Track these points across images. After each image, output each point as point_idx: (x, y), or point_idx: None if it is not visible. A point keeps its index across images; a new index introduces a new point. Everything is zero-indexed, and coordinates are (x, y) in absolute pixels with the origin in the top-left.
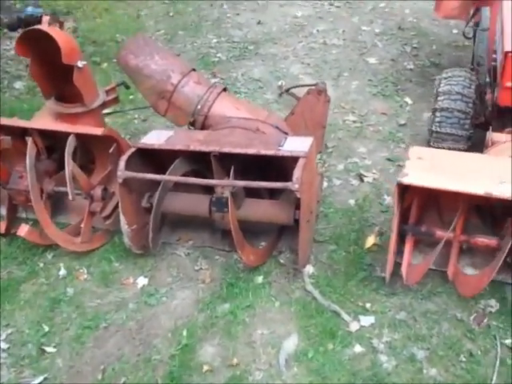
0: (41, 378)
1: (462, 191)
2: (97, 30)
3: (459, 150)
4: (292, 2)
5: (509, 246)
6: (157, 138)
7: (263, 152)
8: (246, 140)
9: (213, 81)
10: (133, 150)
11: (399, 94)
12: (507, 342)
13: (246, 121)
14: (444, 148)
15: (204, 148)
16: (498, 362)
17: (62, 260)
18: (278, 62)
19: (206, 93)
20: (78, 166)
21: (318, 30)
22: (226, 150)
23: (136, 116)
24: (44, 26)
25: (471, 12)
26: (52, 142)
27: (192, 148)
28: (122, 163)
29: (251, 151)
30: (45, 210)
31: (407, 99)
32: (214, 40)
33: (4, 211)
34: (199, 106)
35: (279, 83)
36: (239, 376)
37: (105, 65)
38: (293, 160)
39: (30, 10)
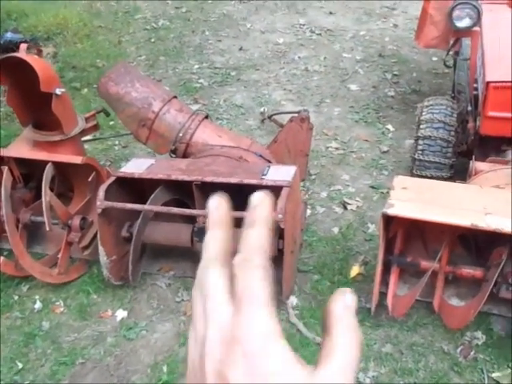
0: None
1: (448, 223)
2: (77, 55)
3: (442, 177)
4: (274, 28)
5: (495, 277)
6: (137, 166)
7: (246, 181)
8: (228, 169)
9: (195, 107)
10: (112, 178)
11: (381, 121)
12: (494, 375)
13: (229, 149)
14: (427, 176)
15: (186, 177)
16: None
17: (38, 292)
18: (260, 88)
19: (188, 120)
20: (56, 195)
21: (299, 57)
22: (209, 179)
23: (116, 142)
24: (21, 54)
25: (451, 42)
26: (29, 170)
27: (174, 177)
28: (101, 193)
29: (234, 180)
30: (20, 241)
31: (389, 126)
32: (196, 66)
33: None
34: (181, 134)
35: (261, 109)
36: None
37: (85, 90)
38: (276, 189)
39: (9, 35)
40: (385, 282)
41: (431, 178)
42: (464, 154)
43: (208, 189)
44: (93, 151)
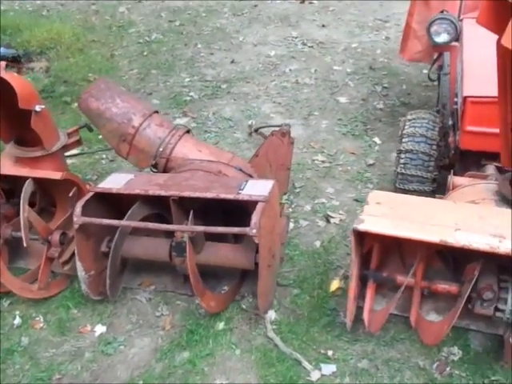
0: None
1: (417, 239)
2: (69, 69)
3: (425, 191)
4: (266, 41)
5: (467, 292)
6: (116, 181)
7: (222, 196)
8: (206, 183)
9: (184, 120)
10: (90, 194)
11: (368, 134)
12: None
13: (209, 163)
14: (409, 189)
15: (163, 192)
16: None
17: (19, 308)
18: (249, 100)
19: (168, 135)
20: (38, 210)
21: (290, 69)
22: (186, 194)
23: (104, 156)
24: (1, 73)
25: (434, 56)
26: (12, 186)
27: (151, 192)
28: (77, 209)
29: (210, 195)
30: (0, 257)
31: (376, 139)
32: (187, 79)
33: None
34: (161, 149)
35: (249, 122)
36: None
37: (75, 104)
38: (253, 204)
39: (2, 50)
40: (362, 296)
41: (414, 191)
42: (446, 167)
43: (187, 203)
44: (80, 165)
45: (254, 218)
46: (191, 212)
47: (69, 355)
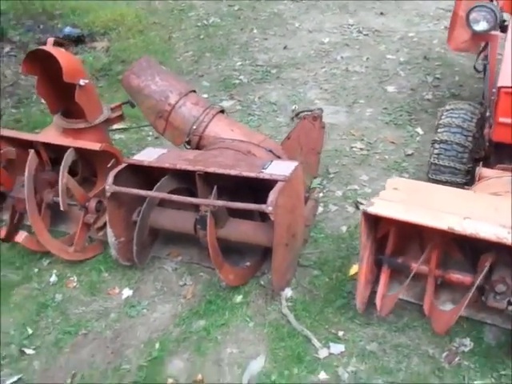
0: (15, 378)
1: (424, 224)
2: (128, 50)
3: (457, 183)
4: (321, 28)
5: (477, 282)
6: (149, 155)
7: (244, 174)
8: (233, 161)
9: (230, 103)
10: (123, 165)
11: (412, 124)
12: (476, 383)
13: (239, 143)
14: (442, 180)
15: (190, 167)
16: None
17: (56, 267)
18: (297, 86)
19: (202, 114)
20: (80, 179)
21: (342, 57)
22: (210, 169)
23: (150, 133)
24: (48, 47)
25: (481, 46)
26: (58, 155)
27: (178, 166)
28: (110, 178)
29: (233, 172)
30: (39, 218)
31: (419, 129)
32: (239, 63)
33: (7, 218)
34: (194, 127)
35: (293, 107)
36: None
37: None
38: (274, 183)
39: (67, 30)
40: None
41: (446, 182)
42: (482, 160)
43: (213, 180)
44: (127, 140)
45: (271, 195)
46: (215, 187)
47: (96, 314)
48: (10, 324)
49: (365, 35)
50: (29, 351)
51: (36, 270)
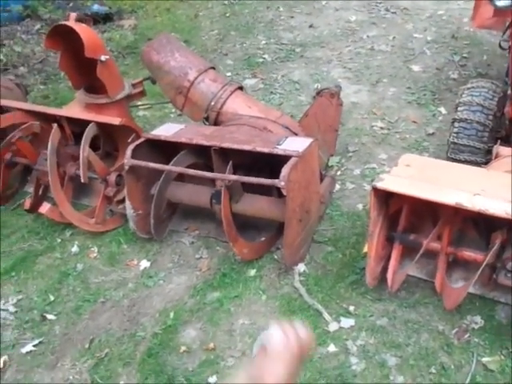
0: (37, 341)
1: (432, 200)
2: (154, 28)
3: (476, 162)
4: (349, 6)
5: (487, 259)
6: (167, 130)
7: (258, 149)
8: (248, 137)
9: (252, 81)
10: (141, 140)
11: (435, 103)
12: (484, 359)
13: (256, 119)
14: (461, 160)
15: (205, 142)
16: (468, 379)
17: (78, 238)
18: (320, 65)
19: (221, 90)
20: (103, 153)
21: (368, 36)
22: (225, 145)
23: (173, 110)
24: (70, 22)
25: (507, 23)
26: (81, 130)
27: (195, 141)
28: (128, 152)
29: (247, 147)
30: (61, 190)
31: (442, 109)
32: (263, 41)
33: (31, 190)
34: (213, 103)
35: (315, 86)
36: (212, 360)
37: None
38: (288, 159)
39: (95, 7)
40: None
41: (465, 162)
42: (503, 139)
43: (229, 155)
44: (150, 117)
45: (284, 170)
46: (230, 162)
47: (114, 283)
48: (34, 291)
49: (392, 13)
50: (50, 317)
51: (59, 240)
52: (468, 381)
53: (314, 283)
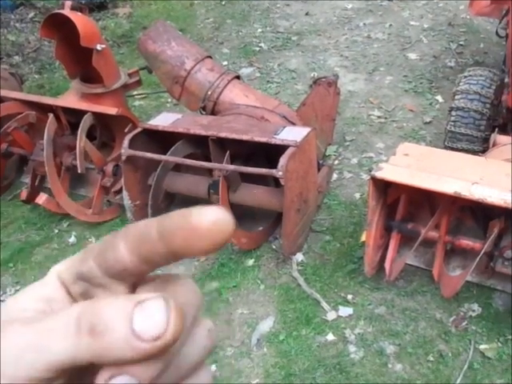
0: None
1: (431, 189)
2: (149, 16)
3: (474, 151)
4: None
5: (485, 248)
6: (164, 120)
7: (256, 139)
8: (246, 127)
9: (249, 70)
10: (138, 129)
11: (432, 92)
12: (481, 347)
13: (253, 109)
14: (458, 148)
15: (203, 132)
16: (466, 366)
17: (75, 229)
18: (317, 53)
19: (217, 80)
20: (99, 143)
21: (364, 24)
22: (223, 134)
23: (169, 100)
24: (65, 11)
25: (504, 11)
26: (77, 119)
27: (192, 131)
28: (125, 142)
29: (245, 137)
30: (58, 180)
31: (439, 97)
32: (260, 30)
33: (27, 180)
34: (209, 92)
35: (312, 75)
36: None
37: None
38: (285, 149)
39: None
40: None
41: (462, 150)
42: (500, 127)
43: (227, 145)
44: (146, 107)
45: (282, 160)
46: (227, 152)
47: None
48: (32, 281)
49: (389, 0)
50: None
51: (56, 231)
52: (466, 368)
53: (312, 272)
